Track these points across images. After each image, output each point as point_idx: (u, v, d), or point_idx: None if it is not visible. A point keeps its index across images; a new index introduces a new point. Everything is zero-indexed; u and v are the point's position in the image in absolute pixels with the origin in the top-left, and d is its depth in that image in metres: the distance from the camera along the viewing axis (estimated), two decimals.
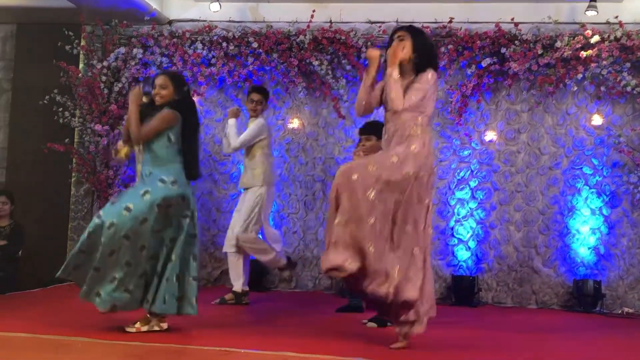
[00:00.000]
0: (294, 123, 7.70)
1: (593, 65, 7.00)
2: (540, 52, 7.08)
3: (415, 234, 4.23)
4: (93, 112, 7.60)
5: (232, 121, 6.42)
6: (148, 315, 4.59)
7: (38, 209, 7.75)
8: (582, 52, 6.97)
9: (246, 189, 6.44)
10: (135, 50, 7.63)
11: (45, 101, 7.70)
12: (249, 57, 7.53)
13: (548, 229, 7.30)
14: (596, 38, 6.97)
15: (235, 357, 4.02)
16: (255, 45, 7.46)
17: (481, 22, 7.30)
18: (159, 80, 4.74)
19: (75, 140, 7.81)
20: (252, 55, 7.53)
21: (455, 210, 7.41)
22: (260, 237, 6.47)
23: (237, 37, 7.54)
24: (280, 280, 7.59)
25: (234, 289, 6.33)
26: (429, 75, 4.33)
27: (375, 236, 4.13)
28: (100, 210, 4.61)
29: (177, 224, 4.63)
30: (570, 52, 7.00)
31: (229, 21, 7.70)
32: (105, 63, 7.62)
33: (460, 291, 7.16)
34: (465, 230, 7.40)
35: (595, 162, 7.28)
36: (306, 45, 7.39)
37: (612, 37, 6.98)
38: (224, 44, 7.53)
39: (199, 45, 7.57)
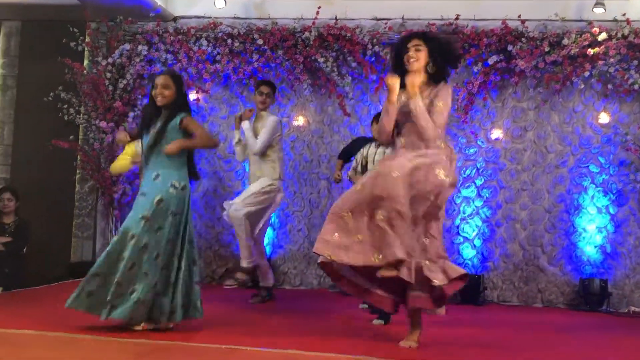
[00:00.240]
0: (299, 120, 7.68)
1: (600, 62, 6.96)
2: (547, 49, 7.05)
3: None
4: (98, 109, 7.58)
5: (246, 124, 6.24)
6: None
7: (42, 206, 7.74)
8: (589, 50, 6.94)
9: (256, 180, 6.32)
10: (140, 47, 7.62)
11: (50, 98, 7.68)
12: (254, 54, 7.51)
13: (554, 227, 7.27)
14: (603, 35, 6.93)
15: (240, 355, 4.01)
16: (260, 42, 7.43)
17: (488, 19, 7.26)
18: (162, 80, 4.68)
19: (80, 137, 7.80)
20: (257, 52, 7.51)
21: (461, 209, 7.39)
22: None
23: (242, 33, 7.52)
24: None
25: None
26: (449, 91, 4.32)
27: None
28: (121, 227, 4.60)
29: (182, 230, 4.64)
30: (577, 49, 6.96)
31: (234, 18, 7.68)
32: (110, 60, 7.61)
33: (465, 290, 7.04)
34: (471, 228, 7.38)
35: (602, 160, 7.24)
36: (311, 42, 7.37)
37: (619, 35, 6.95)
38: (229, 41, 7.51)
39: (204, 42, 7.55)
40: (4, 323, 4.54)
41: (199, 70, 7.63)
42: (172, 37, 7.61)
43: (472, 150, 7.43)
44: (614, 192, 7.21)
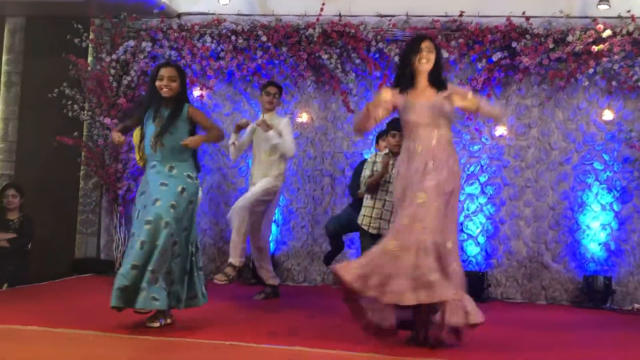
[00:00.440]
0: (303, 117, 7.68)
1: (604, 59, 6.94)
2: (551, 46, 7.03)
3: None
4: (102, 106, 7.59)
5: (272, 133, 6.17)
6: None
7: (47, 202, 7.75)
8: (594, 47, 6.92)
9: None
10: (144, 44, 7.62)
11: (54, 94, 7.68)
12: (258, 51, 7.51)
13: (558, 224, 7.27)
14: (608, 32, 6.91)
15: (243, 352, 4.02)
16: (264, 38, 7.43)
17: (492, 15, 7.24)
18: (169, 72, 4.69)
19: (84, 133, 7.81)
20: (261, 49, 7.51)
21: (465, 206, 7.38)
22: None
23: (246, 30, 7.51)
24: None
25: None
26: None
27: None
28: (146, 217, 4.51)
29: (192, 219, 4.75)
30: (581, 46, 6.95)
31: (238, 14, 7.67)
32: (114, 56, 7.61)
33: (469, 286, 7.02)
34: (475, 225, 7.37)
35: (606, 157, 7.23)
36: (315, 39, 7.36)
37: (624, 32, 6.93)
38: (233, 38, 7.51)
39: (208, 39, 7.55)
40: (9, 319, 4.56)
41: (203, 67, 7.63)
42: (176, 34, 7.61)
43: (476, 147, 7.43)
44: (618, 189, 7.19)
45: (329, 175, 7.67)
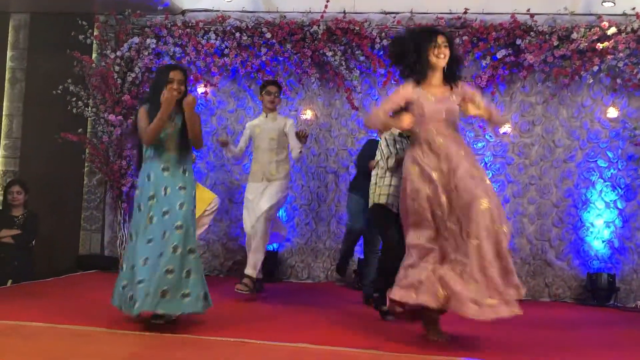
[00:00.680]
0: (307, 114, 7.68)
1: (609, 57, 6.94)
2: (555, 43, 7.02)
3: None
4: (106, 102, 7.60)
5: (291, 131, 6.32)
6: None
7: (51, 199, 7.77)
8: (598, 44, 6.91)
9: (269, 181, 6.32)
10: (148, 41, 7.62)
11: (58, 91, 7.69)
12: (262, 48, 7.51)
13: (562, 222, 7.27)
14: (613, 30, 6.90)
15: (249, 348, 4.03)
16: (268, 35, 7.43)
17: (496, 13, 7.24)
18: (180, 76, 4.66)
19: (89, 130, 7.83)
20: (265, 46, 7.51)
21: None
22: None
23: (250, 27, 7.51)
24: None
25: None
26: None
27: None
28: (175, 222, 4.49)
29: None
30: (586, 43, 6.94)
31: (242, 11, 7.67)
32: (118, 53, 7.61)
33: None
34: None
35: (610, 155, 7.22)
36: (320, 36, 7.36)
37: (628, 29, 6.92)
38: (237, 34, 7.51)
39: (212, 36, 7.55)
40: (13, 315, 4.57)
41: (207, 64, 7.63)
42: (180, 31, 7.61)
43: (480, 145, 7.42)
44: (622, 186, 7.19)
45: (333, 172, 7.67)
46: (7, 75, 8.16)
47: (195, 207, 4.67)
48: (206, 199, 6.73)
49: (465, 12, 7.24)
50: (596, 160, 7.25)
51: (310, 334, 4.43)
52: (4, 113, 8.12)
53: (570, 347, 4.60)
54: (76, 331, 4.24)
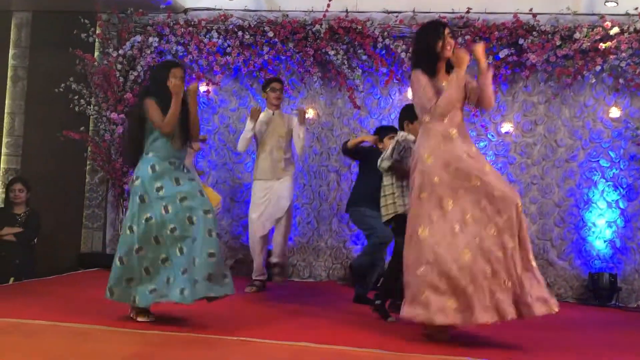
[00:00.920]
0: (309, 113, 7.67)
1: (612, 57, 6.93)
2: (558, 43, 7.02)
3: None
4: (108, 101, 7.60)
5: (304, 129, 6.45)
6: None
7: (53, 197, 7.77)
8: (601, 44, 6.90)
9: (278, 179, 6.36)
10: (150, 39, 7.62)
11: (60, 89, 7.70)
12: (265, 47, 7.50)
13: (564, 221, 7.26)
14: (615, 30, 6.90)
15: (250, 347, 4.02)
16: (270, 34, 7.43)
17: (499, 12, 7.23)
18: (181, 73, 4.71)
19: (91, 128, 7.83)
20: (268, 45, 7.50)
21: None
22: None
23: (252, 26, 7.51)
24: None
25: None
26: None
27: None
28: (204, 206, 4.56)
29: None
30: (588, 43, 6.93)
31: (245, 10, 7.68)
32: (120, 51, 7.62)
33: None
34: None
35: (613, 154, 7.22)
36: (322, 35, 7.36)
37: (631, 29, 6.91)
38: (240, 33, 7.51)
39: (215, 34, 7.54)
40: (15, 313, 4.57)
41: (210, 63, 7.63)
42: (182, 29, 7.61)
43: (482, 144, 7.41)
44: (624, 186, 7.19)
45: (335, 171, 7.67)
46: (9, 73, 8.16)
47: None
48: (212, 199, 6.76)
49: (467, 12, 7.24)
50: (598, 160, 7.24)
51: (312, 333, 4.43)
52: (6, 111, 8.13)
53: (571, 347, 4.60)
54: (78, 329, 4.24)
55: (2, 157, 8.11)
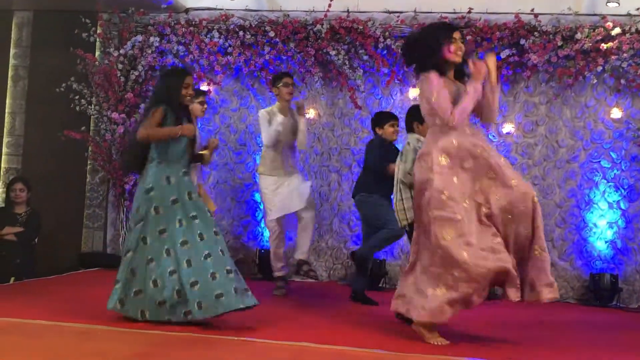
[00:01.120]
0: (310, 113, 7.67)
1: (613, 57, 6.92)
2: (559, 43, 7.01)
3: None
4: (109, 100, 7.60)
5: (304, 120, 6.40)
6: None
7: (54, 197, 7.77)
8: (603, 44, 6.90)
9: (289, 176, 6.34)
10: (151, 39, 7.62)
11: (61, 89, 7.69)
12: (266, 47, 7.50)
13: (565, 222, 7.26)
14: (617, 30, 6.89)
15: (252, 347, 4.02)
16: (272, 34, 7.43)
17: (500, 12, 7.23)
18: (191, 81, 4.74)
19: (92, 128, 7.83)
20: (269, 45, 7.50)
21: None
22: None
23: (253, 26, 7.51)
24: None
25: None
26: None
27: None
28: (214, 227, 4.69)
29: None
30: (590, 44, 6.93)
31: (246, 10, 7.68)
32: (122, 51, 7.62)
33: None
34: None
35: (614, 155, 7.21)
36: (323, 35, 7.35)
37: (633, 30, 6.91)
38: (241, 33, 7.51)
39: (216, 34, 7.54)
40: (16, 313, 4.57)
41: (211, 62, 7.63)
42: (183, 29, 7.61)
43: None
44: (626, 187, 7.18)
45: (336, 171, 7.66)
46: (10, 73, 8.16)
47: None
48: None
49: (469, 12, 7.23)
50: (599, 161, 7.24)
51: (313, 333, 4.43)
52: (6, 110, 8.13)
53: (572, 348, 4.59)
54: (79, 329, 4.23)
55: (3, 156, 8.12)
